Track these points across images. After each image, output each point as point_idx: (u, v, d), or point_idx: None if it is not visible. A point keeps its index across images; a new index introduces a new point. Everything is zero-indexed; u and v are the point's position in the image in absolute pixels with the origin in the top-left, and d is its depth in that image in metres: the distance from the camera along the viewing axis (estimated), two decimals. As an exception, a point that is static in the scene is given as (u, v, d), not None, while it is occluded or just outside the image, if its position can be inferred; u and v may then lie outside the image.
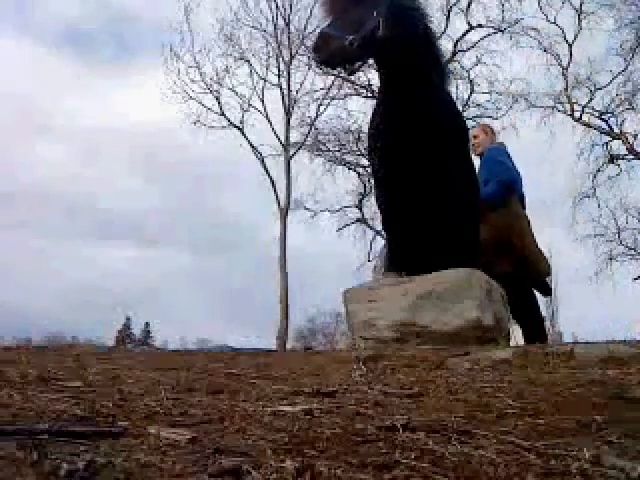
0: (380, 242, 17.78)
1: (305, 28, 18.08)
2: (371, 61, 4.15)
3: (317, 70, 18.20)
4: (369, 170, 15.34)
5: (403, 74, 3.64)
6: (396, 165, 3.81)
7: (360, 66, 3.85)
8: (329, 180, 19.34)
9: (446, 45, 17.03)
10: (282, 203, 17.64)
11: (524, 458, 1.08)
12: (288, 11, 18.28)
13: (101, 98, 50.96)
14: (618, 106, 18.63)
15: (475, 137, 4.94)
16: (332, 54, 3.46)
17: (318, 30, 3.54)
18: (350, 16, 3.46)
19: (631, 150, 18.55)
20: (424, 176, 3.74)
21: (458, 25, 18.50)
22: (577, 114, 18.90)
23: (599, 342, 3.41)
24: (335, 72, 17.22)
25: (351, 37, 3.38)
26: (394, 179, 3.87)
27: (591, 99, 18.91)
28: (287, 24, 18.25)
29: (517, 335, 4.86)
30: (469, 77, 18.91)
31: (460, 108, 16.88)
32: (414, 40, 3.66)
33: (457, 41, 18.52)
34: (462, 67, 18.60)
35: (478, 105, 19.18)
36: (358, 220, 19.95)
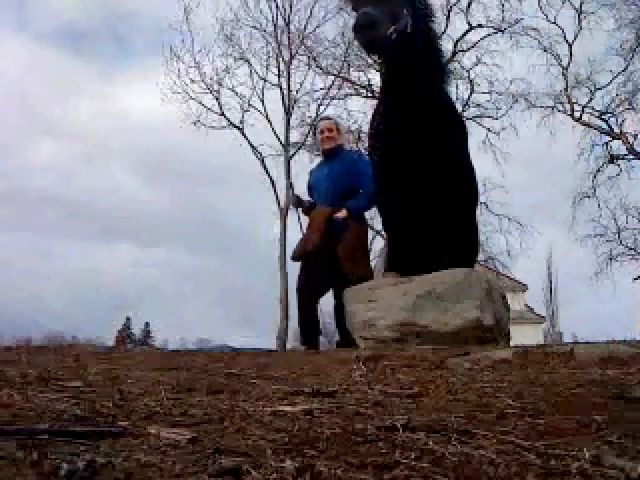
0: (380, 242, 17.79)
1: (305, 28, 18.13)
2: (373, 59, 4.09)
3: (317, 70, 18.23)
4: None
5: (407, 74, 3.63)
6: (396, 165, 3.81)
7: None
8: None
9: (446, 45, 17.05)
10: (282, 203, 17.63)
11: (524, 458, 1.08)
12: (288, 11, 18.32)
13: (101, 98, 51.08)
14: (618, 106, 18.68)
15: (331, 130, 4.85)
16: (378, 39, 3.33)
17: (361, 10, 3.35)
18: (387, 7, 3.37)
19: (631, 150, 18.57)
20: (424, 176, 3.74)
21: (458, 25, 18.56)
22: (577, 114, 18.95)
23: (599, 342, 3.41)
24: (337, 74, 17.22)
25: (393, 27, 3.31)
26: (394, 179, 3.87)
27: (591, 99, 18.96)
28: (287, 24, 18.27)
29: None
30: (469, 77, 18.93)
31: (460, 108, 16.90)
32: (423, 40, 3.66)
33: (457, 41, 18.53)
34: (462, 67, 18.62)
35: (478, 105, 19.21)
36: (358, 220, 19.90)
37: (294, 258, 4.83)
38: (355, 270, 4.45)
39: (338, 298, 4.42)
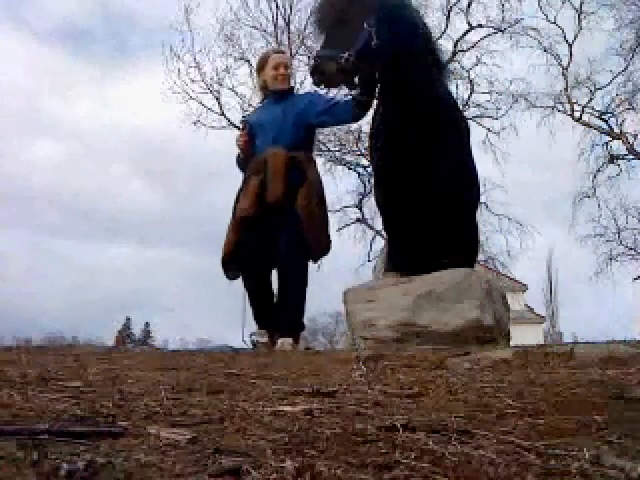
0: (380, 242, 17.80)
1: (305, 28, 18.08)
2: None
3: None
4: (369, 170, 15.34)
5: (402, 74, 3.63)
6: (397, 165, 3.81)
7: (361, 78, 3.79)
8: (329, 180, 19.34)
9: (446, 45, 17.08)
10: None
11: (524, 458, 1.08)
12: (288, 11, 18.31)
13: (101, 98, 51.12)
14: (618, 106, 18.68)
15: (287, 67, 4.20)
16: (330, 75, 3.41)
17: (313, 52, 3.47)
18: (342, 32, 3.43)
19: (631, 150, 18.57)
20: (425, 176, 3.74)
21: (458, 25, 18.57)
22: (577, 114, 18.95)
23: (599, 342, 3.42)
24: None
25: (346, 54, 3.35)
26: (395, 179, 3.87)
27: (591, 99, 18.96)
28: (287, 24, 18.27)
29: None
30: (469, 77, 18.92)
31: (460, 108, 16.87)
32: (409, 41, 3.64)
33: (457, 41, 18.55)
34: (462, 67, 18.61)
35: (478, 105, 19.21)
36: (358, 220, 19.95)
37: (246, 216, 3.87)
38: (314, 233, 3.86)
39: (289, 269, 3.84)
